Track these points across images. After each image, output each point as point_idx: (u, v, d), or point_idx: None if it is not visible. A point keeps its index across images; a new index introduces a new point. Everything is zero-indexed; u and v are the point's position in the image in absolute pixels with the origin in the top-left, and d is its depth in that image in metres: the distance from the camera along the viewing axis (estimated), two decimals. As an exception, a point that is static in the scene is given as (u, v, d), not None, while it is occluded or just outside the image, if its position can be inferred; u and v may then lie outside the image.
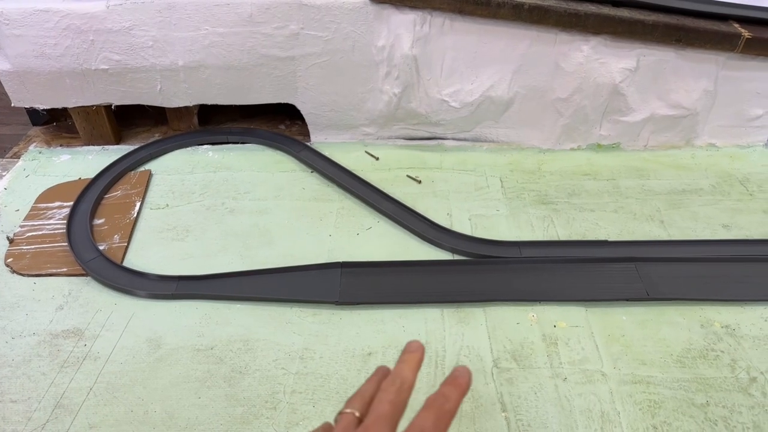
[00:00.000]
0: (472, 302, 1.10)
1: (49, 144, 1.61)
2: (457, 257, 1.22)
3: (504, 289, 1.12)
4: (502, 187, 1.43)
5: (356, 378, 0.97)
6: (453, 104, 1.46)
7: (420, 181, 1.43)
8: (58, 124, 1.69)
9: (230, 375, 0.97)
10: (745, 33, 1.36)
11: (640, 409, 0.92)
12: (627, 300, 1.10)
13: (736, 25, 1.40)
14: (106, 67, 1.41)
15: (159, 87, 1.45)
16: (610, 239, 1.24)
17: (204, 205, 1.36)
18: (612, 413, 0.91)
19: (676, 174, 1.46)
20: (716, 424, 0.90)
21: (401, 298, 1.10)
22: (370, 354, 1.01)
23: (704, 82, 1.43)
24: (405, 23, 1.35)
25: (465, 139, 1.56)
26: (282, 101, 1.51)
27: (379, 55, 1.39)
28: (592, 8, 1.34)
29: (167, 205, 1.36)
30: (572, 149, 1.53)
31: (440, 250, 1.24)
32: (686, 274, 1.14)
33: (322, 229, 1.29)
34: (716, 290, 1.11)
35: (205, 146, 1.56)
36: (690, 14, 1.39)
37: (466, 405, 0.92)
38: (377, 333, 1.05)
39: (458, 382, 0.41)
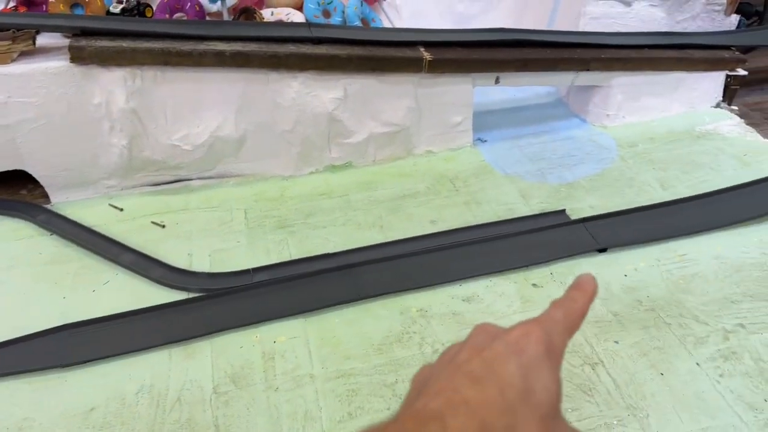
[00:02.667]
0: (198, 337, 1.18)
1: None
2: (192, 295, 1.29)
3: (230, 318, 1.21)
4: (245, 218, 1.53)
5: (76, 436, 1.00)
6: (185, 147, 1.53)
7: (164, 226, 1.49)
8: None
9: (-65, 466, 0.95)
10: (427, 56, 1.60)
11: (339, 401, 1.06)
12: (339, 304, 1.25)
13: (422, 50, 1.64)
14: None
15: None
16: (333, 251, 1.39)
17: None
18: (315, 410, 1.04)
19: (399, 182, 1.67)
20: (401, 398, 1.06)
21: (129, 348, 1.15)
22: (92, 409, 1.04)
23: (406, 100, 1.65)
24: (115, 80, 1.40)
25: (210, 177, 1.64)
26: (8, 168, 1.47)
27: (98, 111, 1.43)
28: (291, 48, 1.49)
29: None
30: (311, 173, 1.69)
31: (177, 291, 1.30)
32: (391, 271, 1.32)
33: (56, 293, 1.29)
34: (413, 280, 1.30)
35: (-71, 227, 1.47)
36: (382, 44, 1.60)
37: (182, 436, 0.99)
38: (101, 387, 1.08)
39: (584, 288, 0.40)
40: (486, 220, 1.51)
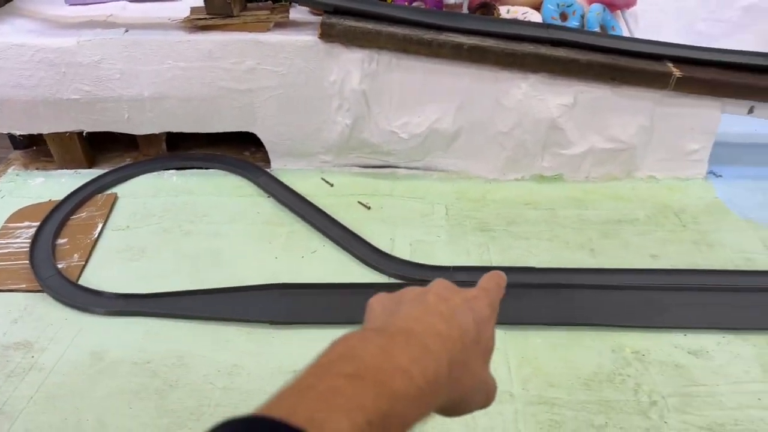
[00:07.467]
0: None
1: (26, 167, 1.71)
2: (393, 281, 1.28)
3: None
4: (446, 214, 1.50)
5: (279, 393, 1.03)
6: (402, 135, 1.54)
7: (369, 207, 1.51)
8: (38, 149, 1.79)
9: (161, 388, 1.04)
10: (677, 72, 1.44)
11: (540, 429, 0.97)
12: (546, 324, 1.16)
13: (670, 65, 1.47)
14: (77, 97, 1.51)
15: (126, 116, 1.55)
16: (537, 266, 1.30)
17: (162, 228, 1.44)
18: (513, 431, 0.97)
19: (614, 205, 1.52)
20: (611, 444, 0.95)
21: (335, 319, 1.17)
22: (296, 370, 1.07)
23: (640, 118, 1.50)
24: (353, 61, 1.44)
25: (417, 168, 1.64)
26: (242, 129, 1.60)
27: (331, 88, 1.48)
28: (529, 48, 1.42)
29: (128, 227, 1.45)
30: (516, 179, 1.61)
31: (380, 274, 1.31)
32: (606, 301, 1.20)
33: (270, 252, 1.37)
34: (631, 317, 1.17)
35: (171, 171, 1.65)
36: (625, 54, 1.46)
37: None
38: (309, 351, 1.10)
39: (498, 274, 0.50)
40: (718, 267, 1.31)
